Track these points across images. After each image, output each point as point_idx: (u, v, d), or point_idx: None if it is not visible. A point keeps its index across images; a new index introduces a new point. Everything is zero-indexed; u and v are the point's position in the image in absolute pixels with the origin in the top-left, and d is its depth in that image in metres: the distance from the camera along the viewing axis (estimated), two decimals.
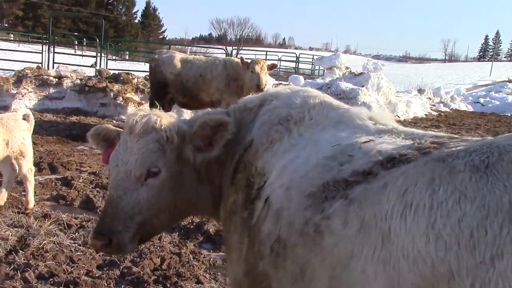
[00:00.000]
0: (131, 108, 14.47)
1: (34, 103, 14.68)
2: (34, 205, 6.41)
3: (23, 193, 7.02)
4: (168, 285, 4.59)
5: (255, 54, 32.92)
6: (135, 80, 15.54)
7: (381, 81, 19.90)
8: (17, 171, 6.30)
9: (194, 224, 6.19)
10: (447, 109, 26.19)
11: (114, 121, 14.01)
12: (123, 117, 14.23)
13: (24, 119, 6.35)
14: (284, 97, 2.76)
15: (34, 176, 7.83)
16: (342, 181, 1.95)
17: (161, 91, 12.28)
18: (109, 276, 4.67)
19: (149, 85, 15.26)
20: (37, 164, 8.52)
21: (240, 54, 34.59)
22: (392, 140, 2.10)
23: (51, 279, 4.55)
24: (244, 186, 2.54)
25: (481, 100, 32.14)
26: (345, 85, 19.24)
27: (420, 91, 29.85)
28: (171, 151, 2.67)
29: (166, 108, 12.79)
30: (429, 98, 27.23)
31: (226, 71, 11.55)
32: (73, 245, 5.29)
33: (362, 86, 19.41)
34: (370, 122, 2.40)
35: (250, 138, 2.69)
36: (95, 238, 2.56)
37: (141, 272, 4.75)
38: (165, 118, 2.73)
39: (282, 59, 33.49)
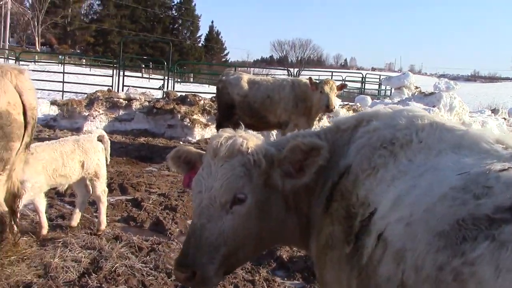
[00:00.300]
0: (197, 130, 14.56)
1: (104, 124, 15.05)
2: (106, 227, 6.39)
3: (95, 214, 7.05)
4: None
5: (319, 75, 32.64)
6: (202, 102, 15.65)
7: (454, 101, 19.03)
8: (91, 193, 6.31)
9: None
10: None
11: (181, 142, 14.11)
12: (190, 138, 14.34)
13: (99, 140, 6.39)
14: (386, 118, 2.48)
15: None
16: (483, 218, 1.63)
17: (228, 112, 12.22)
18: None
19: (215, 107, 15.36)
20: (108, 185, 8.55)
21: (302, 75, 34.40)
22: None
23: None
24: (342, 217, 2.28)
25: None
26: (416, 105, 18.55)
27: (494, 111, 28.46)
28: (258, 176, 2.45)
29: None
30: (504, 118, 25.87)
31: (294, 92, 11.33)
32: (145, 269, 5.16)
33: (434, 106, 18.64)
34: (500, 146, 2.08)
35: (345, 163, 2.42)
36: (177, 270, 2.37)
37: None
38: (251, 141, 2.53)
39: (346, 79, 33.05)
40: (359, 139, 2.44)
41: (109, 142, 6.60)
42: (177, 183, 9.33)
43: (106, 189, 6.47)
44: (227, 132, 2.59)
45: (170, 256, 5.62)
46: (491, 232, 1.58)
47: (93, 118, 14.97)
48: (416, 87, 22.31)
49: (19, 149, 4.38)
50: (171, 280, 5.01)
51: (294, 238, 2.72)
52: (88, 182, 6.20)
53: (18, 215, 4.93)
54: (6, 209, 4.29)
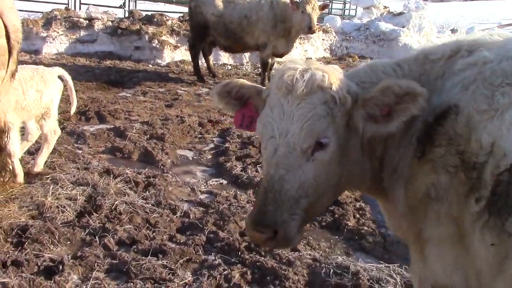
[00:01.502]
0: (167, 52, 13.82)
1: (65, 46, 14.06)
2: (92, 159, 5.96)
3: (75, 145, 6.58)
4: (263, 253, 4.13)
5: None
6: (169, 22, 14.74)
7: (423, 21, 18.78)
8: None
9: None
10: None
11: (150, 65, 13.41)
12: (159, 61, 13.62)
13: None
14: (498, 47, 2.09)
15: (83, 126, 7.41)
16: None
17: (202, 34, 11.57)
18: (195, 242, 4.22)
19: (184, 27, 14.55)
20: (84, 113, 8.07)
21: None
22: None
23: (134, 246, 4.12)
24: (453, 166, 1.97)
25: None
26: (385, 26, 18.19)
27: (453, 31, 28.51)
28: (341, 117, 2.10)
29: (206, 52, 12.15)
30: None
31: (273, 11, 10.74)
32: (146, 205, 4.84)
33: (403, 27, 18.38)
34: None
35: (443, 101, 2.07)
36: (256, 230, 2.06)
37: (230, 238, 4.29)
38: (332, 74, 2.12)
39: None
40: (462, 73, 2.07)
41: (71, 84, 5.67)
42: (156, 109, 8.85)
43: (58, 130, 5.56)
44: (298, 64, 2.18)
45: (169, 190, 5.31)
46: None
47: (52, 39, 13.90)
48: (385, 7, 21.86)
49: (4, 78, 3.82)
50: (176, 216, 4.72)
51: (364, 182, 2.40)
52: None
53: (10, 152, 4.42)
54: None
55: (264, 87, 2.30)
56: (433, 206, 2.03)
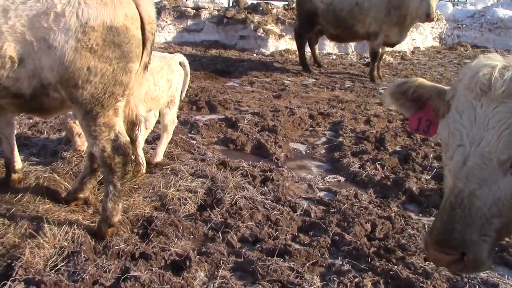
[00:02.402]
0: (271, 41, 13.71)
1: (173, 35, 14.41)
2: (206, 150, 5.94)
3: (189, 135, 6.61)
4: (394, 261, 3.83)
5: None
6: (275, 11, 14.61)
7: None
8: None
9: (391, 180, 5.35)
10: None
11: (255, 55, 13.37)
12: (263, 50, 13.54)
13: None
14: None
15: (195, 115, 7.45)
16: None
17: (310, 22, 11.29)
18: (320, 244, 4.00)
19: (289, 16, 14.34)
20: (195, 102, 8.13)
21: None
22: None
23: (257, 245, 3.98)
24: None
25: None
26: (504, 12, 16.84)
27: None
28: None
29: (313, 41, 11.86)
30: None
31: None
32: (266, 201, 4.70)
33: None
34: None
35: None
36: (440, 251, 1.81)
37: (358, 242, 4.03)
38: None
39: None
40: None
41: (189, 71, 5.59)
42: (265, 100, 8.75)
43: (176, 120, 5.56)
44: (496, 60, 1.86)
45: (287, 186, 5.13)
46: None
47: (161, 28, 14.30)
48: None
49: (137, 70, 3.80)
50: (297, 214, 4.53)
51: None
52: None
53: (138, 144, 4.45)
54: (128, 139, 3.80)
55: (447, 87, 2.00)
56: None
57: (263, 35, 13.62)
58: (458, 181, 1.82)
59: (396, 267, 3.71)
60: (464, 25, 17.32)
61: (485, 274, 3.68)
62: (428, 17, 9.57)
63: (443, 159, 2.00)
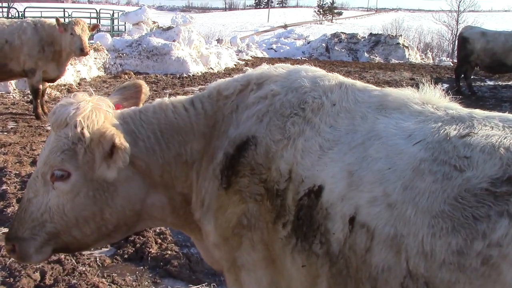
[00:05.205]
0: None
1: None
2: None
3: None
4: None
5: (41, 11, 29.46)
6: None
7: (192, 34, 19.61)
8: None
9: None
10: (249, 57, 27.06)
11: None
12: None
13: None
14: (283, 80, 2.25)
15: None
16: (484, 193, 1.51)
17: None
18: None
19: None
20: None
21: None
22: (497, 132, 1.68)
23: None
24: (259, 194, 2.07)
25: (274, 46, 34.15)
26: (157, 41, 18.50)
27: (219, 41, 30.41)
28: (87, 153, 2.16)
29: None
30: (227, 48, 27.57)
31: (38, 34, 10.02)
32: None
33: (174, 41, 18.91)
34: (430, 106, 1.95)
35: (241, 133, 2.18)
36: (4, 242, 2.37)
37: None
38: (92, 110, 2.18)
39: (73, 15, 30.51)
40: (255, 106, 2.20)
41: None
42: None
43: None
44: (75, 98, 2.26)
45: None
46: (502, 207, 1.47)
47: None
48: (154, 22, 22.20)
49: None
50: None
51: (166, 218, 2.42)
52: None
53: None
54: None
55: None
56: (246, 234, 2.12)
57: None
58: (26, 190, 2.31)
59: None
60: (124, 54, 18.27)
61: None
62: (82, 51, 9.82)
63: None
